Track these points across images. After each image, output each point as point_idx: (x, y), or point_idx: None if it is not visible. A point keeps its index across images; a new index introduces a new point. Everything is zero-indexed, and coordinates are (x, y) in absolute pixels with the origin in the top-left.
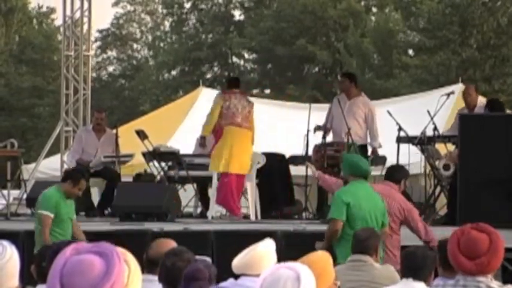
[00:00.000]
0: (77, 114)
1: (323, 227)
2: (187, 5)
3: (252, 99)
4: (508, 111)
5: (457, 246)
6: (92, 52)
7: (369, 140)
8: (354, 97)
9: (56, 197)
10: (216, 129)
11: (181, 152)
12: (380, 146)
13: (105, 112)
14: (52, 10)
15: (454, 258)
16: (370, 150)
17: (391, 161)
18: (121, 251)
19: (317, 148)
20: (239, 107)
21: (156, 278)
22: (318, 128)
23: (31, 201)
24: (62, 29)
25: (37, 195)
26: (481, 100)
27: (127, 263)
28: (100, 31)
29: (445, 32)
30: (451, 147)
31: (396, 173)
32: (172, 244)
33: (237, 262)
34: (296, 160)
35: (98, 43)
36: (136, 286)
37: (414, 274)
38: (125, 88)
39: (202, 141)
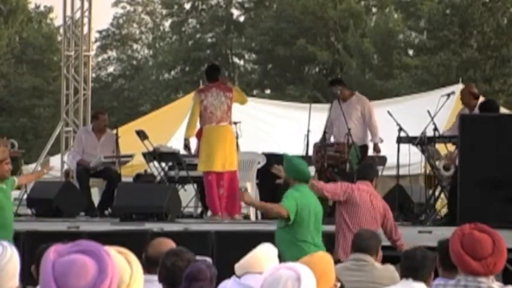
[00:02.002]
0: (77, 115)
1: (323, 227)
2: (187, 6)
3: (252, 99)
4: (507, 112)
5: (460, 247)
6: (92, 52)
7: (369, 137)
8: (347, 98)
9: None
10: (198, 131)
11: (182, 152)
12: (381, 141)
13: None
14: (50, 9)
15: (460, 259)
16: (371, 147)
17: (391, 161)
18: (124, 251)
19: (317, 148)
20: (217, 104)
21: (155, 278)
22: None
23: (31, 202)
24: (62, 30)
25: (37, 196)
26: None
27: (129, 263)
28: (100, 31)
29: (445, 32)
30: (451, 147)
31: (368, 173)
32: (170, 243)
33: (239, 263)
34: None
35: (98, 43)
36: (138, 286)
37: (414, 274)
38: (125, 88)
39: (186, 143)
